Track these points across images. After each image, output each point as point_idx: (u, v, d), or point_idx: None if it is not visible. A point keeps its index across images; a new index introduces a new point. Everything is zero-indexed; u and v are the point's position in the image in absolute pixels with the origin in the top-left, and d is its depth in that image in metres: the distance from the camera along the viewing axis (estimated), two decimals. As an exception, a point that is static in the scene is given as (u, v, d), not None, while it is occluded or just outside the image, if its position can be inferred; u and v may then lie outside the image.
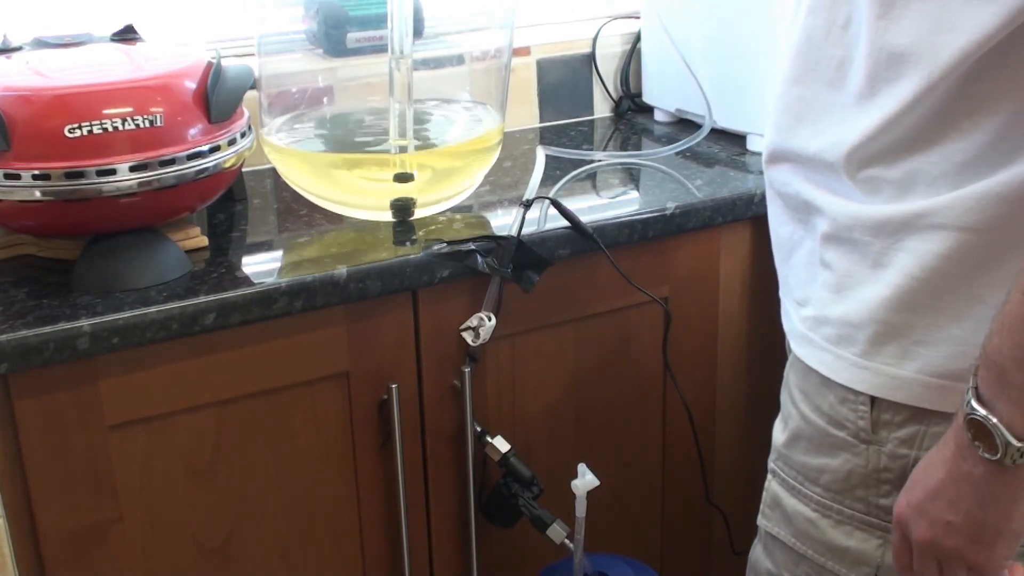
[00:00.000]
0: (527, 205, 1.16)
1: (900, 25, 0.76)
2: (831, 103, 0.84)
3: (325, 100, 1.26)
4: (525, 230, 1.12)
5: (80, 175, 0.96)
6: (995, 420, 0.71)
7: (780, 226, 0.96)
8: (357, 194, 1.15)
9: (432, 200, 1.16)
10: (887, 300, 0.81)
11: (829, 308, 0.87)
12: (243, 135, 1.07)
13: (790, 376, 0.95)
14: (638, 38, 1.57)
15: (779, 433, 0.96)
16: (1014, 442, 0.70)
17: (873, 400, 0.84)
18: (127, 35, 1.15)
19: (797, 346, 0.92)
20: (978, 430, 0.72)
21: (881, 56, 0.78)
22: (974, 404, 0.72)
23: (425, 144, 1.18)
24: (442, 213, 1.18)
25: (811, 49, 0.86)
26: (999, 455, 0.71)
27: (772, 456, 0.97)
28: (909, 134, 0.79)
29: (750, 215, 1.24)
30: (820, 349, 0.88)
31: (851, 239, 0.84)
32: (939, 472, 0.77)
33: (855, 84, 0.81)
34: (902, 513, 0.81)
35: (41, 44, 1.12)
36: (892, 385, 0.82)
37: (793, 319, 0.93)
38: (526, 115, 1.56)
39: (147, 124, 0.98)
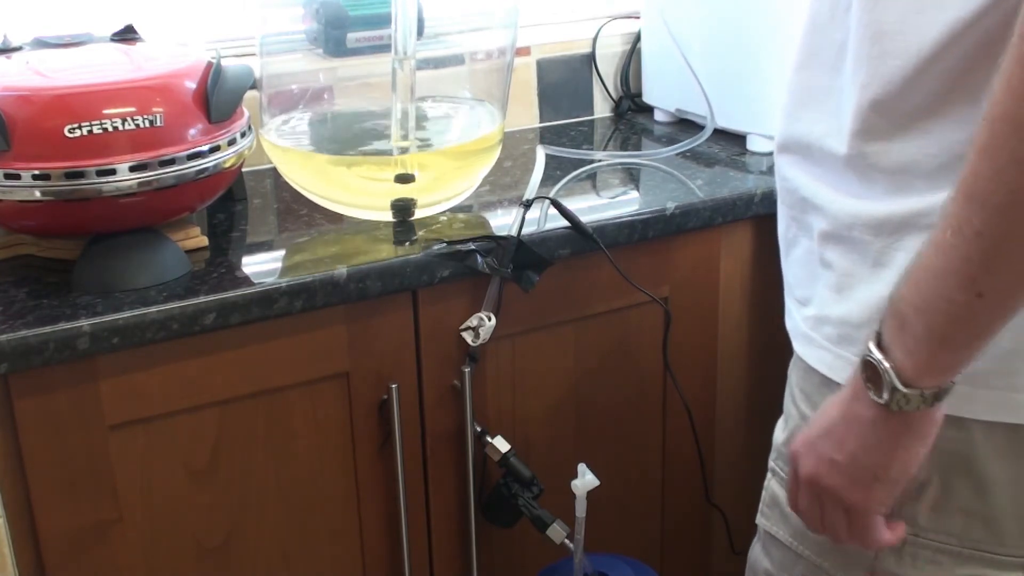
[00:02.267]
0: (527, 205, 1.16)
1: (885, 2, 0.76)
2: (831, 88, 0.84)
3: (326, 100, 1.26)
4: (525, 230, 1.12)
5: (80, 175, 0.96)
6: (887, 365, 0.72)
7: (780, 221, 0.96)
8: (357, 194, 1.15)
9: (432, 200, 1.16)
10: (887, 300, 0.81)
11: (830, 308, 0.86)
12: (243, 135, 1.07)
13: (792, 375, 0.94)
14: (638, 38, 1.57)
15: (780, 432, 0.96)
16: (901, 388, 0.72)
17: None
18: (127, 35, 1.15)
19: (799, 345, 0.92)
20: (872, 373, 0.74)
21: (866, 35, 0.78)
22: (872, 347, 0.74)
23: (426, 144, 1.18)
24: (442, 213, 1.18)
25: (815, 34, 0.86)
26: (886, 399, 0.73)
27: (772, 455, 0.97)
28: (903, 118, 0.78)
29: (750, 215, 1.24)
30: (821, 349, 0.87)
31: (851, 238, 0.84)
32: (834, 412, 0.79)
33: (849, 66, 0.81)
34: (795, 448, 0.83)
35: (41, 44, 1.12)
36: None
37: (795, 318, 0.93)
38: (526, 115, 1.56)
39: (147, 124, 0.98)
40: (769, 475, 0.98)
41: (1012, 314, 0.68)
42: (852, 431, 0.77)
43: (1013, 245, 0.65)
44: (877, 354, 0.73)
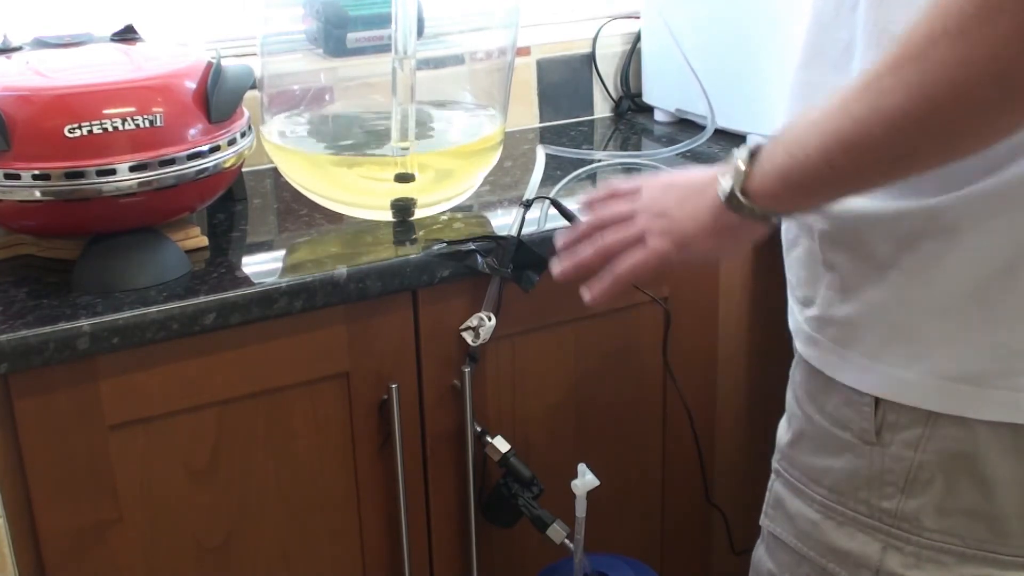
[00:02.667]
0: (527, 205, 1.16)
1: (891, 2, 0.76)
2: (836, 87, 0.84)
3: (326, 100, 1.26)
4: (525, 230, 1.12)
5: (80, 175, 0.96)
6: (743, 169, 0.79)
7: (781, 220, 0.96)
8: (358, 194, 1.15)
9: (433, 200, 1.16)
10: (891, 300, 0.81)
11: (834, 308, 0.86)
12: (243, 135, 1.07)
13: (795, 376, 0.94)
14: (638, 38, 1.57)
15: (783, 433, 0.96)
16: (738, 195, 0.79)
17: (878, 401, 0.83)
18: (127, 35, 1.15)
19: (802, 346, 0.91)
20: (735, 167, 0.80)
21: (874, 33, 0.78)
22: (746, 152, 0.80)
23: (426, 145, 1.18)
24: (442, 213, 1.18)
25: (819, 32, 0.86)
26: (724, 196, 0.81)
27: (776, 456, 0.97)
28: None
29: (750, 215, 1.24)
30: (825, 350, 0.87)
31: (855, 239, 0.83)
32: (696, 175, 0.87)
33: (858, 67, 0.81)
34: (643, 183, 0.93)
35: (41, 44, 1.12)
36: (898, 387, 0.82)
37: (798, 318, 0.93)
38: (526, 115, 1.56)
39: (147, 124, 0.98)
40: (773, 476, 0.97)
41: (851, 194, 0.76)
42: (693, 202, 0.86)
43: (876, 144, 0.69)
44: (743, 157, 0.79)
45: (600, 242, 0.93)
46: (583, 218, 0.98)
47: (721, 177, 0.82)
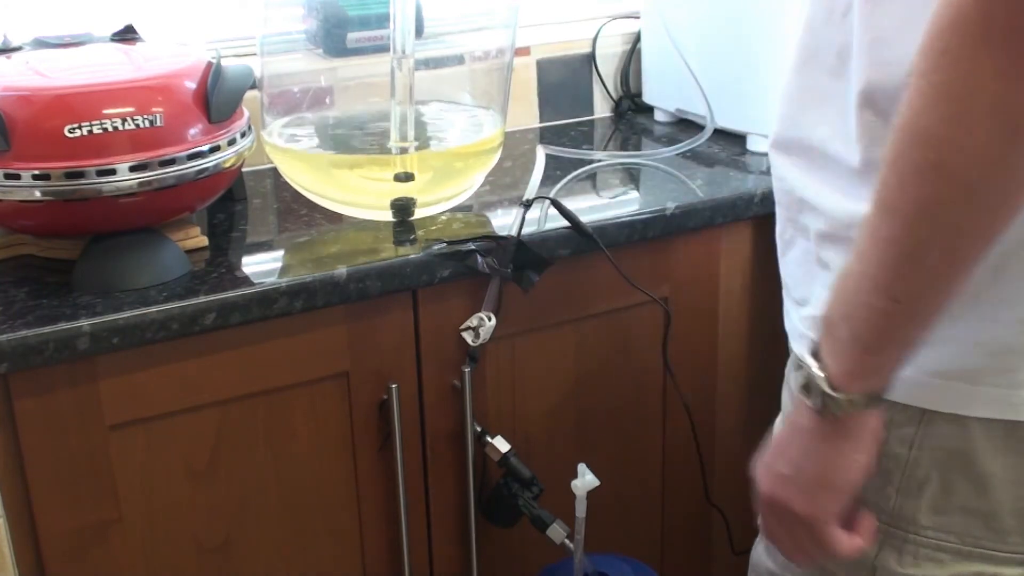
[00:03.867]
0: (527, 205, 1.16)
1: (884, 9, 0.76)
2: (832, 91, 0.84)
3: (326, 100, 1.26)
4: (525, 230, 1.12)
5: (80, 175, 0.96)
6: (817, 370, 0.74)
7: (777, 221, 0.96)
8: (357, 194, 1.15)
9: (432, 200, 1.16)
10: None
11: None
12: (243, 135, 1.07)
13: (790, 376, 0.94)
14: (638, 38, 1.57)
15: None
16: (830, 392, 0.73)
17: None
18: (127, 35, 1.15)
19: (797, 345, 0.92)
20: (807, 381, 0.75)
21: (865, 41, 0.78)
22: (806, 356, 0.75)
23: (425, 147, 1.18)
24: (442, 213, 1.18)
25: (812, 37, 0.86)
26: (819, 405, 0.74)
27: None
28: None
29: (750, 215, 1.24)
30: None
31: (850, 238, 0.83)
32: (783, 427, 0.81)
33: (851, 71, 0.81)
34: (754, 470, 0.84)
35: (41, 44, 1.12)
36: (891, 385, 0.82)
37: (793, 318, 0.93)
38: (526, 115, 1.56)
39: (147, 124, 0.98)
40: (770, 475, 0.97)
41: (931, 318, 0.69)
42: (794, 441, 0.78)
43: (922, 252, 0.66)
44: (808, 360, 0.75)
45: (798, 558, 0.86)
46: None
47: (799, 404, 0.76)
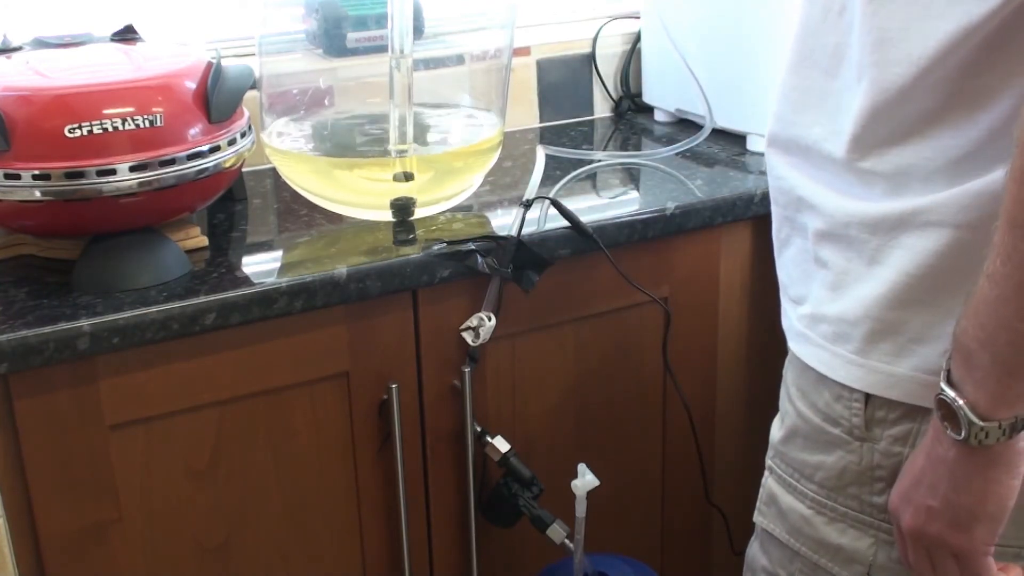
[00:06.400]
0: (527, 205, 1.16)
1: (888, 9, 0.76)
2: (828, 91, 0.84)
3: (326, 100, 1.26)
4: (525, 230, 1.12)
5: (80, 175, 0.96)
6: (960, 401, 0.72)
7: (773, 220, 0.96)
8: (357, 194, 1.15)
9: (432, 200, 1.16)
10: (882, 297, 0.81)
11: (826, 306, 0.87)
12: (243, 135, 1.07)
13: (788, 373, 0.95)
14: (638, 38, 1.57)
15: (776, 430, 0.96)
16: (977, 421, 0.72)
17: (868, 397, 0.84)
18: (127, 35, 1.15)
19: (794, 343, 0.92)
20: (946, 411, 0.74)
21: (868, 41, 0.78)
22: (943, 386, 0.74)
23: (424, 147, 1.18)
24: (442, 213, 1.18)
25: (808, 37, 0.86)
26: (964, 435, 0.73)
27: (769, 453, 0.98)
28: (901, 126, 0.78)
29: (750, 215, 1.24)
30: (817, 346, 0.88)
31: (847, 236, 0.84)
32: (920, 459, 0.79)
33: (849, 71, 0.81)
34: (892, 503, 0.82)
35: (41, 44, 1.12)
36: (887, 383, 0.83)
37: (790, 317, 0.93)
38: (526, 115, 1.56)
39: (147, 124, 0.98)
40: (766, 473, 0.98)
41: None
42: (940, 474, 0.77)
43: None
44: (949, 392, 0.73)
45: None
46: None
47: (940, 435, 0.75)
